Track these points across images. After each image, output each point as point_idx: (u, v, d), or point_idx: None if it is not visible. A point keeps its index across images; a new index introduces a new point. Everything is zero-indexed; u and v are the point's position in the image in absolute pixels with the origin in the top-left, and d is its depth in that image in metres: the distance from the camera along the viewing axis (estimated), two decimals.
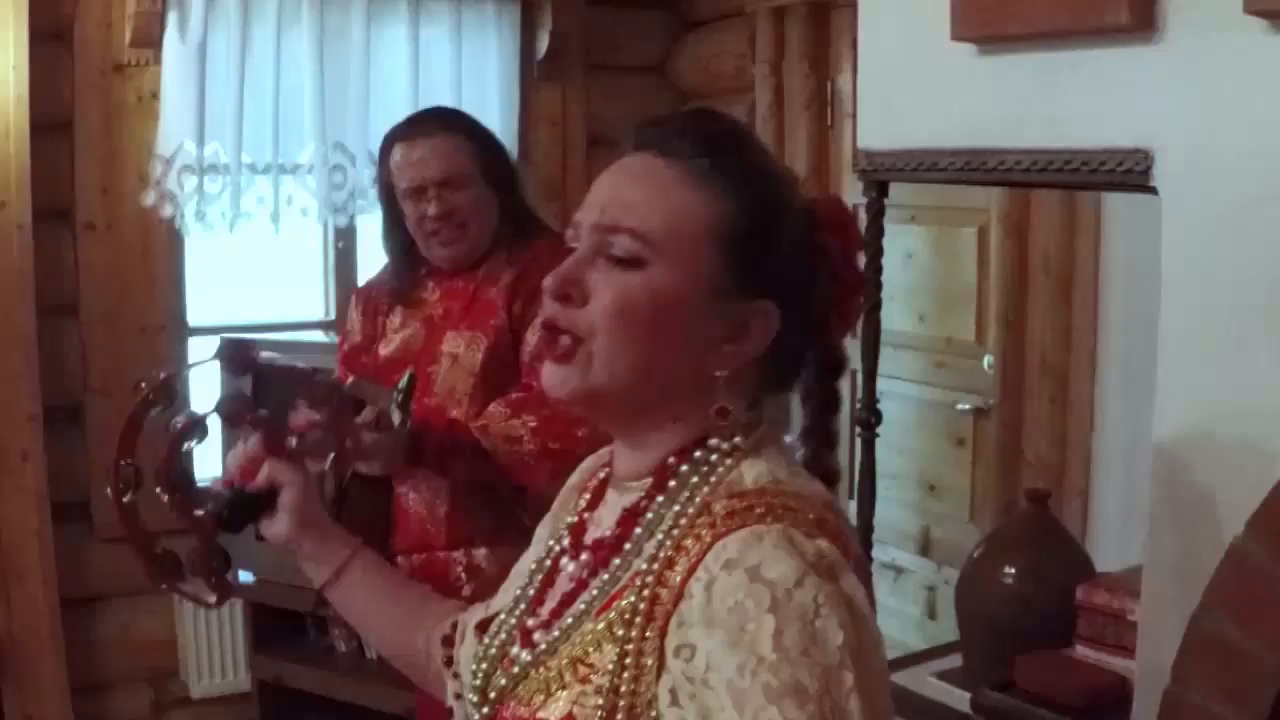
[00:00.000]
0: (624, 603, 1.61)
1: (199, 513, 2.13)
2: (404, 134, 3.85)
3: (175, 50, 5.51)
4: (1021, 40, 2.91)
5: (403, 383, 3.32)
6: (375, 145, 5.74)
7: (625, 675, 1.55)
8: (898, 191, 3.53)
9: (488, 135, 3.97)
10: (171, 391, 2.29)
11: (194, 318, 5.82)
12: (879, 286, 3.50)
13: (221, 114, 5.59)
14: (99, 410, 5.51)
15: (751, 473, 1.65)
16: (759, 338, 1.68)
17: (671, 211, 1.65)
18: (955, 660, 3.64)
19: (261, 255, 5.99)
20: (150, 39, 5.48)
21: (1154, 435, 2.77)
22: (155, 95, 5.53)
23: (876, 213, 3.45)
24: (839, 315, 1.79)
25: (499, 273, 3.83)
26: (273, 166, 5.75)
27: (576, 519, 1.86)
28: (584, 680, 1.60)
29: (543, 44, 6.41)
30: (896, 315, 4.78)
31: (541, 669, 1.68)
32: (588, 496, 1.88)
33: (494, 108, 6.16)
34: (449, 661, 2.08)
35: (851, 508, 3.47)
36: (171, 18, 5.48)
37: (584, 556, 1.76)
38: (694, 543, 1.57)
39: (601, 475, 1.88)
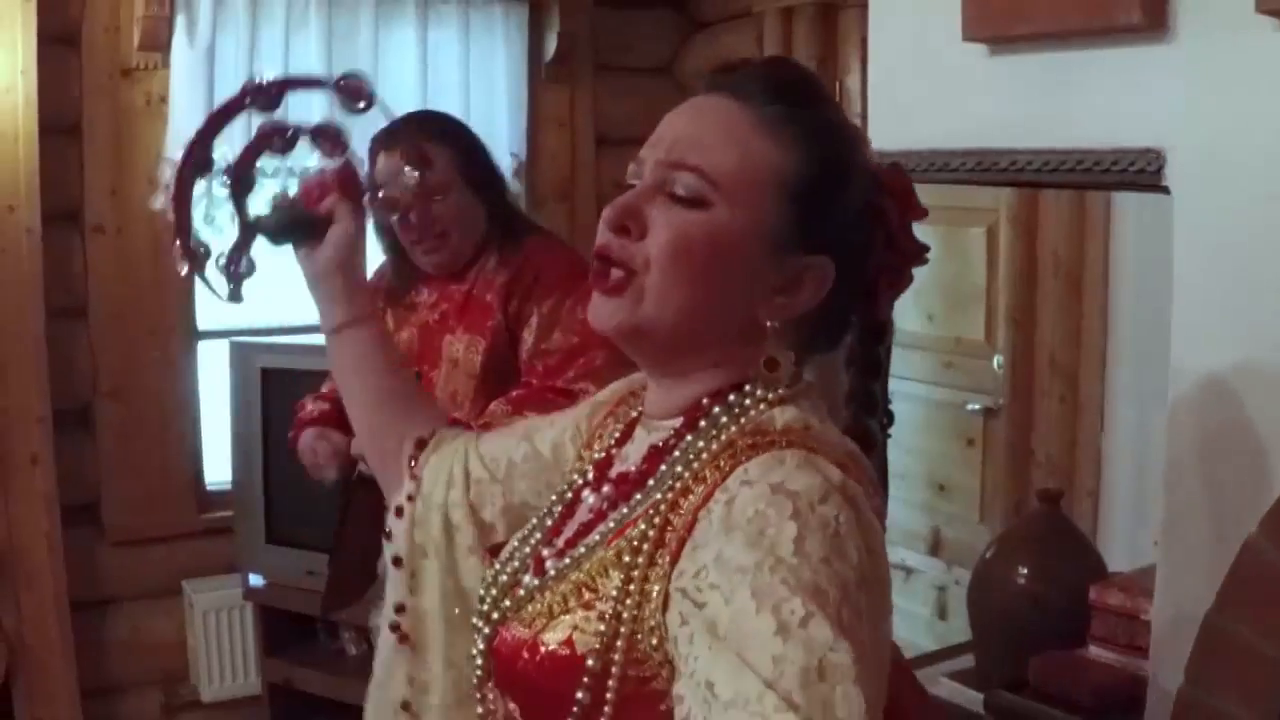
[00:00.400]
0: (634, 530, 1.60)
1: (254, 215, 2.20)
2: (385, 142, 3.69)
3: (183, 54, 5.51)
4: (1032, 40, 2.91)
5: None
6: None
7: (629, 602, 1.55)
8: None
9: (470, 140, 3.94)
10: (271, 99, 2.28)
11: (203, 321, 5.82)
12: None
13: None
14: (108, 413, 5.52)
15: (783, 417, 1.63)
16: (812, 292, 1.66)
17: (740, 154, 1.63)
18: (968, 661, 3.63)
19: (270, 257, 5.98)
20: (158, 43, 5.48)
21: (1166, 435, 2.77)
22: (164, 99, 5.52)
23: None
24: (889, 282, 1.79)
25: (492, 276, 3.82)
26: (281, 169, 5.74)
27: (604, 454, 1.86)
28: (587, 606, 1.60)
29: (551, 45, 6.41)
30: (906, 315, 4.78)
31: (547, 594, 1.68)
32: (617, 432, 1.88)
33: (502, 109, 6.17)
34: (413, 461, 2.12)
35: None
36: (180, 21, 5.48)
37: (605, 489, 1.76)
38: (713, 472, 1.57)
39: (634, 414, 1.87)
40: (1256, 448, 2.54)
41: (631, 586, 1.55)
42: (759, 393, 1.66)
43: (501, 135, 6.17)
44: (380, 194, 2.32)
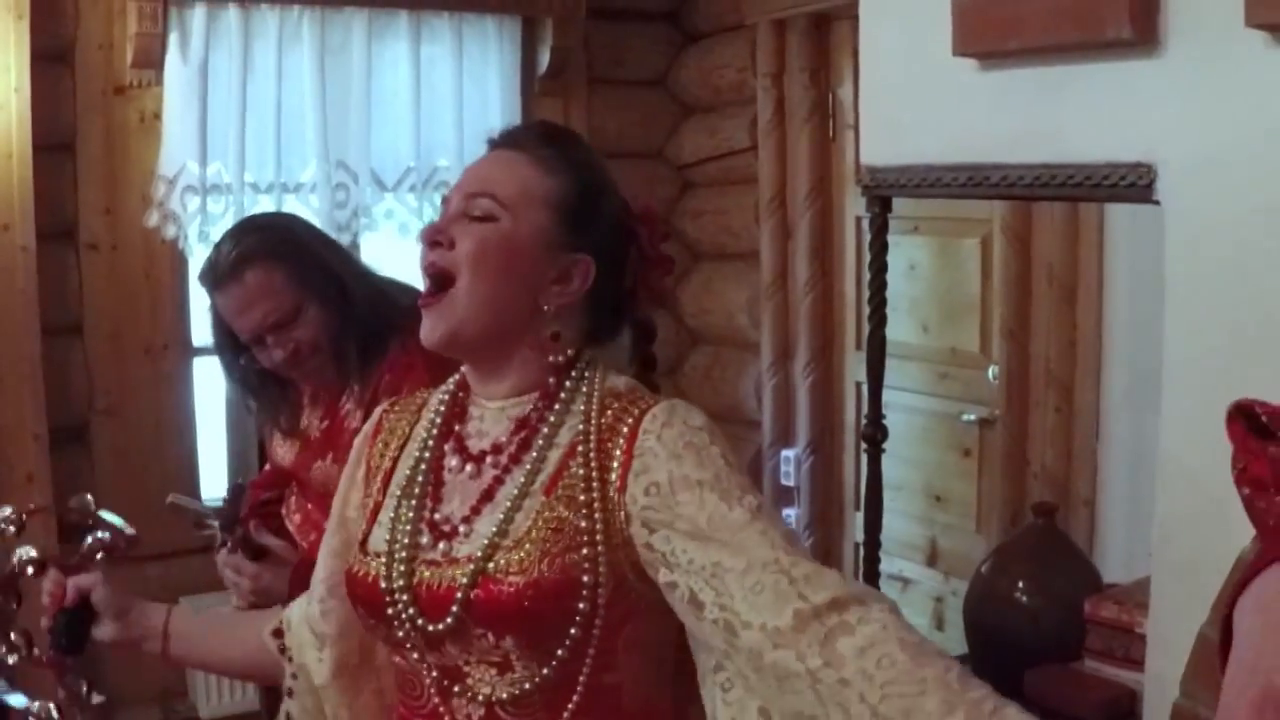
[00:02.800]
0: (572, 477, 2.08)
1: (48, 654, 2.56)
2: (215, 283, 3.42)
3: (177, 71, 5.53)
4: (1023, 55, 2.92)
5: (227, 498, 3.40)
6: (378, 163, 5.84)
7: (597, 521, 2.03)
8: (901, 201, 3.53)
9: (300, 250, 3.48)
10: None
11: (198, 338, 5.81)
12: (883, 302, 3.50)
13: (224, 134, 5.61)
14: (104, 430, 5.53)
15: (617, 382, 2.20)
16: (579, 283, 2.17)
17: (517, 181, 2.17)
18: None
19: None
20: (152, 60, 5.50)
21: (1160, 446, 2.77)
22: (157, 116, 5.55)
23: (880, 228, 3.46)
24: (646, 286, 2.32)
25: (357, 408, 3.47)
26: (275, 186, 5.76)
27: (439, 433, 2.26)
28: (562, 538, 2.04)
29: (544, 58, 6.42)
30: (900, 326, 4.78)
31: (527, 544, 2.05)
32: (437, 419, 2.28)
33: (495, 122, 6.09)
34: (283, 649, 2.44)
35: (858, 520, 3.47)
36: (173, 38, 5.51)
37: (490, 459, 2.19)
38: (622, 424, 2.09)
39: (442, 398, 2.30)
40: None
41: (595, 509, 2.04)
42: (587, 373, 2.20)
43: None
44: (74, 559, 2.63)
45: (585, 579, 2.01)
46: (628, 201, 2.31)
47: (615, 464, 2.06)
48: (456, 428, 2.26)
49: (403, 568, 2.12)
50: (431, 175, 6.12)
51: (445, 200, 2.23)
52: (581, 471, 2.07)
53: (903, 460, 5.17)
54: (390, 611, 2.10)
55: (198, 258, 5.59)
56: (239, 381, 3.66)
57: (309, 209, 5.77)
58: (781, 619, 1.83)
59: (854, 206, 5.96)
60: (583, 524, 2.03)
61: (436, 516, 2.17)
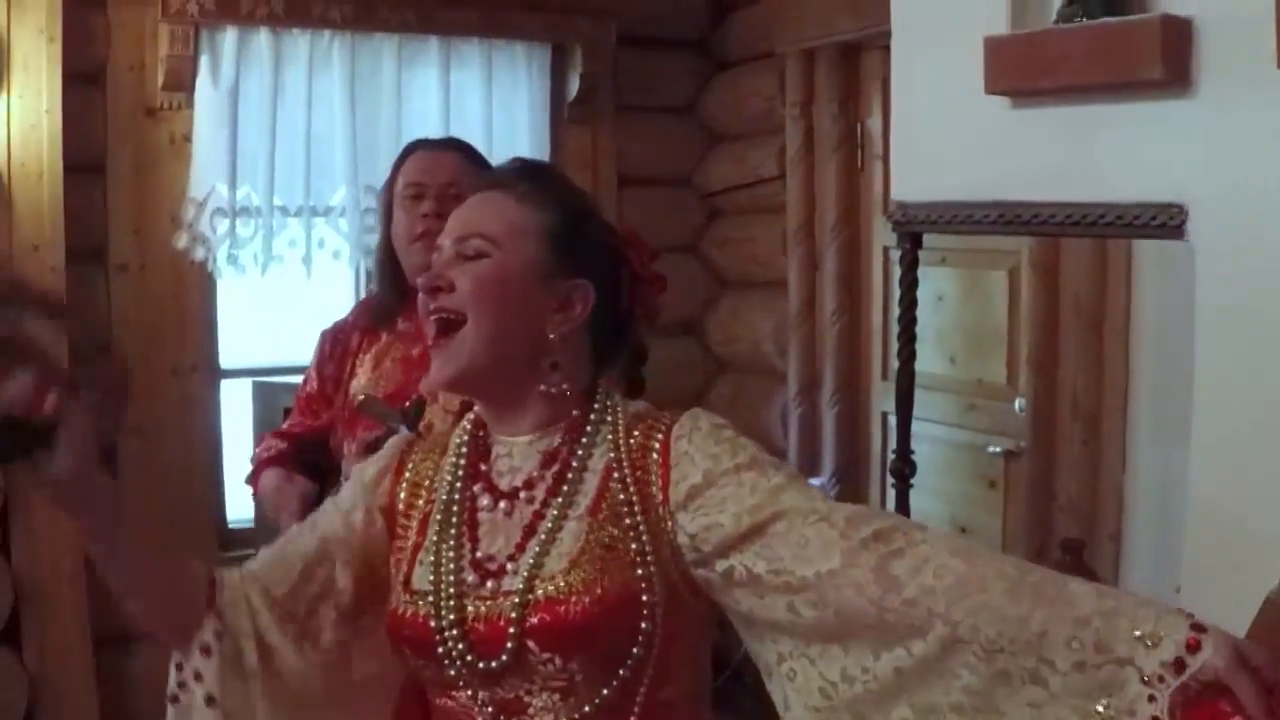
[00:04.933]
0: (613, 500, 2.12)
1: None
2: (424, 143, 4.00)
3: (207, 94, 5.55)
4: (1056, 94, 2.92)
5: (412, 403, 3.44)
6: None
7: (644, 538, 2.07)
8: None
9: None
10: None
11: (226, 360, 5.84)
12: (913, 338, 3.51)
13: (253, 157, 5.63)
14: (131, 451, 5.53)
15: (633, 408, 2.24)
16: (581, 307, 2.20)
17: (505, 217, 2.21)
18: None
19: (293, 298, 6.01)
20: (182, 83, 5.53)
21: (1189, 486, 2.77)
22: (187, 138, 5.57)
23: (911, 263, 3.46)
24: (642, 310, 2.37)
25: None
26: (304, 209, 5.78)
27: (466, 474, 2.27)
28: (618, 557, 2.07)
29: (574, 86, 6.44)
30: (928, 357, 4.78)
31: (584, 564, 2.08)
32: (461, 459, 2.29)
33: (524, 149, 6.18)
34: (210, 602, 2.20)
35: None
36: (204, 61, 5.53)
37: (524, 494, 2.20)
38: (652, 442, 2.15)
39: (461, 440, 2.31)
40: None
41: (641, 527, 2.08)
42: (608, 402, 2.24)
43: None
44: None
45: (645, 597, 2.06)
46: (612, 226, 2.37)
47: (654, 478, 2.12)
48: (482, 467, 2.28)
49: (452, 603, 2.12)
50: None
51: (437, 250, 2.27)
52: (622, 495, 2.13)
53: (928, 491, 5.16)
54: (441, 650, 2.09)
55: (226, 280, 5.63)
56: (379, 251, 4.00)
57: (338, 233, 5.82)
58: (832, 561, 1.91)
59: (881, 237, 5.96)
60: (633, 545, 2.08)
61: (479, 555, 2.18)
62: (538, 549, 2.11)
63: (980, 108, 3.08)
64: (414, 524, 2.28)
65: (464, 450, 2.30)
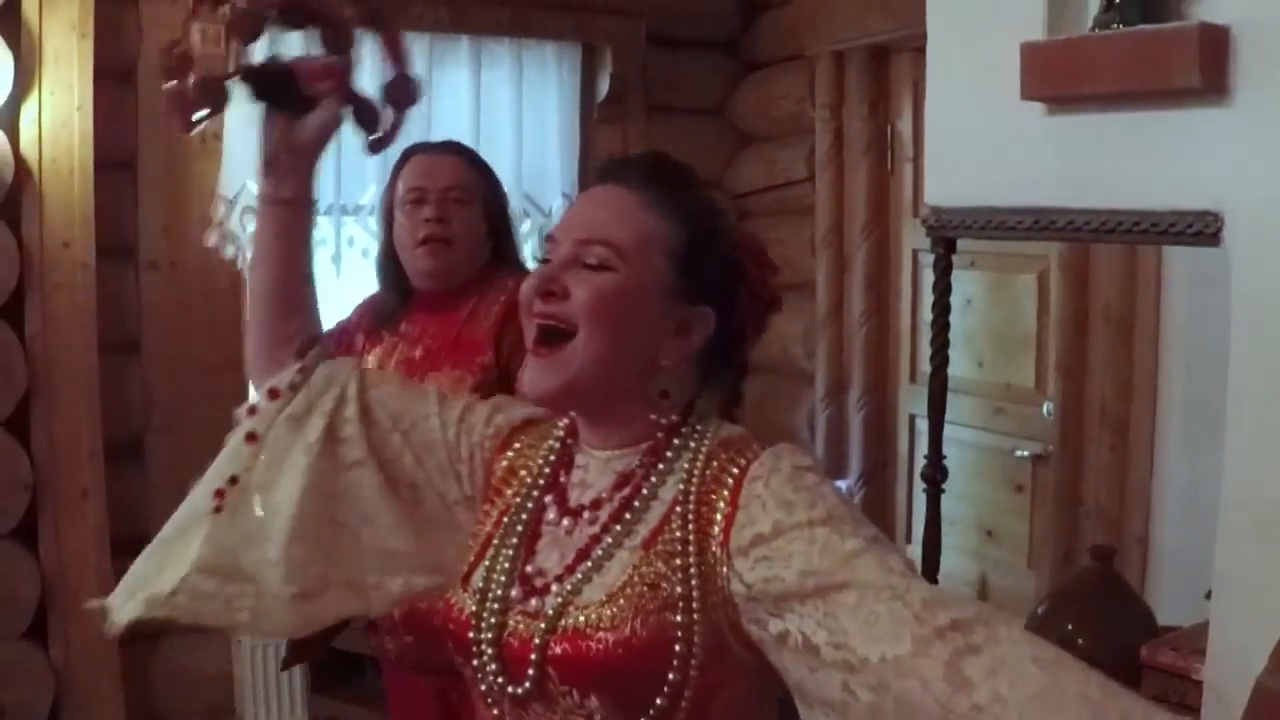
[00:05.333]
0: (670, 535, 1.97)
1: (248, 61, 2.32)
2: (422, 147, 3.98)
3: (238, 91, 5.54)
4: (1092, 100, 2.91)
5: None
6: None
7: (693, 582, 1.91)
8: None
9: (495, 178, 4.07)
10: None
11: None
12: (946, 343, 3.50)
13: None
14: (160, 447, 5.55)
15: (724, 432, 2.08)
16: (699, 335, 2.09)
17: (634, 227, 2.05)
18: None
19: (322, 296, 6.00)
20: None
21: (1221, 497, 2.76)
22: (218, 136, 5.55)
23: (945, 268, 3.45)
24: (754, 328, 2.22)
25: (485, 306, 3.84)
26: (334, 208, 5.78)
27: (546, 482, 2.18)
28: (658, 597, 1.92)
29: (603, 86, 6.46)
30: (956, 360, 4.75)
31: (621, 600, 1.95)
32: (547, 466, 2.20)
33: (554, 149, 6.20)
34: (302, 354, 2.27)
35: (909, 553, 3.47)
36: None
37: (587, 514, 2.10)
38: (726, 476, 1.98)
39: (550, 444, 2.22)
40: None
41: (692, 570, 1.92)
42: (699, 427, 2.09)
43: (554, 175, 6.22)
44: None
45: (678, 647, 1.89)
46: (734, 234, 2.21)
47: (718, 517, 1.94)
48: (561, 478, 2.17)
49: (494, 619, 2.04)
50: None
51: (549, 240, 2.12)
52: (679, 532, 1.96)
53: (955, 495, 5.15)
54: (475, 664, 2.05)
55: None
56: (381, 255, 4.01)
57: (367, 232, 5.81)
58: (900, 646, 1.69)
59: (911, 239, 5.96)
60: (679, 589, 1.91)
61: (529, 569, 2.09)
62: (580, 575, 2.01)
63: (1016, 113, 3.08)
64: (495, 513, 2.20)
65: (551, 457, 2.19)
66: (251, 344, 2.37)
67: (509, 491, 2.20)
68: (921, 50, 3.56)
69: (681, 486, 2.01)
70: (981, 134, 3.25)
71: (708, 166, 6.78)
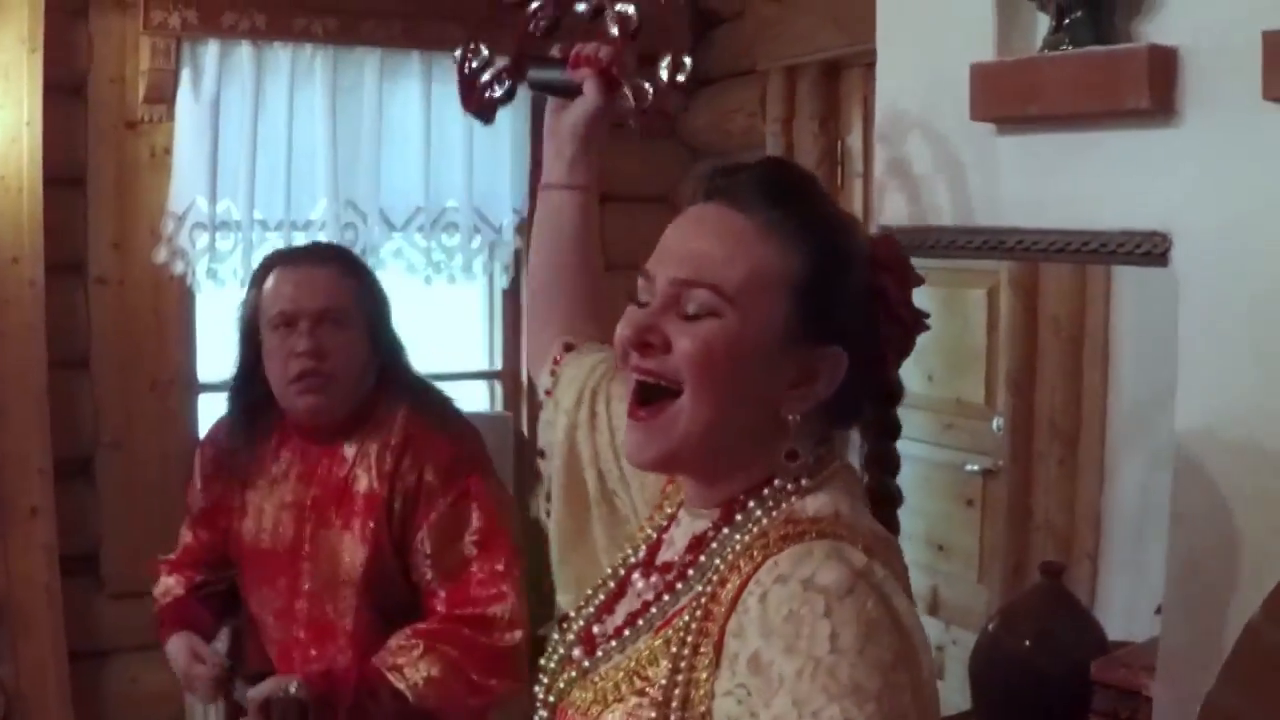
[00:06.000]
0: (680, 621, 1.70)
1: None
2: (287, 258, 3.55)
3: (188, 107, 5.56)
4: (1042, 121, 2.92)
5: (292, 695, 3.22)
6: (387, 203, 5.83)
7: (677, 690, 1.63)
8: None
9: (375, 280, 3.64)
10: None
11: (204, 374, 5.83)
12: None
13: (234, 171, 5.65)
14: (109, 464, 5.53)
15: (813, 505, 1.73)
16: (827, 381, 1.77)
17: (747, 265, 1.73)
18: None
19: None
20: (164, 95, 5.53)
21: (1172, 510, 2.77)
22: (168, 151, 5.57)
23: None
24: (895, 351, 1.92)
25: (375, 445, 3.47)
26: (285, 224, 5.78)
27: (655, 535, 1.96)
28: (640, 693, 1.69)
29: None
30: (905, 375, 4.78)
31: (598, 678, 1.78)
32: (668, 513, 1.98)
33: (505, 165, 6.21)
34: (556, 360, 2.31)
35: None
36: (185, 74, 5.54)
37: (654, 578, 1.86)
38: (746, 562, 1.67)
39: (678, 500, 1.96)
40: (1264, 532, 2.55)
41: (679, 676, 1.63)
42: (789, 486, 1.76)
43: (504, 190, 6.23)
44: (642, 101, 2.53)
45: None
46: (868, 248, 1.89)
47: (718, 612, 1.66)
48: (664, 536, 1.95)
49: (554, 665, 1.91)
50: (440, 216, 6.16)
51: (646, 276, 1.82)
52: (687, 618, 1.70)
53: (907, 509, 5.08)
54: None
55: (206, 294, 5.62)
56: (237, 392, 3.64)
57: None
58: None
59: None
60: (663, 680, 1.66)
61: (596, 630, 1.90)
62: (613, 644, 1.82)
63: (966, 134, 3.09)
64: (642, 547, 2.00)
65: (669, 510, 1.98)
66: (529, 331, 2.49)
67: (649, 528, 2.02)
68: (872, 66, 3.56)
69: (719, 563, 1.75)
70: (931, 154, 3.26)
71: (661, 181, 6.78)
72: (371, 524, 3.43)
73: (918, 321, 1.94)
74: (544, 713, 1.86)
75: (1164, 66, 2.65)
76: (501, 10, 2.61)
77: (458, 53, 2.66)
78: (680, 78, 2.55)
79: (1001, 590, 4.94)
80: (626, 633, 1.81)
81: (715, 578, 1.71)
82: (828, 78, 6.04)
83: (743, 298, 1.72)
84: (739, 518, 1.77)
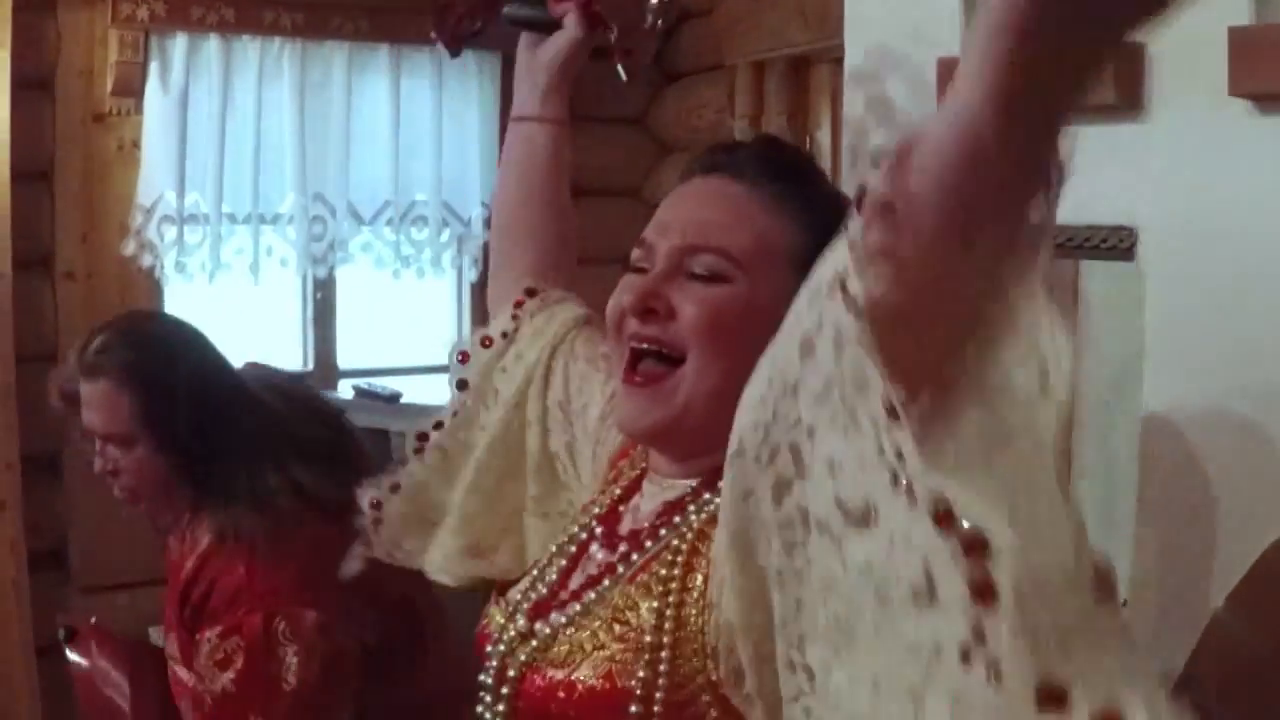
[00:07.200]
0: (659, 568, 1.68)
1: None
2: (82, 368, 3.26)
3: (157, 100, 5.53)
4: None
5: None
6: (356, 196, 5.81)
7: (667, 626, 1.61)
8: None
9: (160, 389, 3.18)
10: None
11: None
12: None
13: (202, 164, 5.62)
14: (78, 460, 5.49)
15: None
16: None
17: (752, 231, 1.73)
18: None
19: (240, 306, 5.97)
20: (132, 88, 5.50)
21: (1136, 507, 2.78)
22: (136, 144, 5.54)
23: None
24: None
25: (189, 560, 3.20)
26: (253, 217, 5.76)
27: (607, 509, 1.91)
28: (621, 639, 1.65)
29: None
30: None
31: (574, 630, 1.72)
32: (620, 488, 1.93)
33: (474, 158, 6.20)
34: (519, 306, 2.22)
35: None
36: (153, 67, 5.50)
37: (622, 548, 1.80)
38: None
39: (639, 470, 1.92)
40: (1235, 522, 2.56)
41: (669, 612, 1.62)
42: None
43: (474, 184, 6.22)
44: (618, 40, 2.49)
45: (633, 707, 1.61)
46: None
47: (706, 550, 1.65)
48: (622, 507, 1.90)
49: (503, 648, 1.82)
50: (409, 209, 6.13)
51: (644, 246, 1.80)
52: (669, 558, 1.68)
53: None
54: (480, 679, 1.83)
55: (174, 287, 5.60)
56: None
57: (285, 241, 5.80)
58: None
59: None
60: (650, 621, 1.64)
61: (554, 595, 1.85)
62: (582, 606, 1.76)
63: None
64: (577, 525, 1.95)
65: (625, 483, 1.93)
66: (502, 242, 2.41)
67: (595, 508, 1.96)
68: (841, 61, 3.56)
69: (697, 518, 1.72)
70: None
71: (629, 176, 6.78)
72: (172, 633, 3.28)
73: None
74: (505, 689, 1.76)
75: (1130, 62, 2.65)
76: None
77: None
78: (660, 22, 2.51)
79: None
80: (591, 594, 1.77)
81: (697, 528, 1.69)
82: (796, 73, 6.04)
83: (752, 265, 1.71)
84: (720, 484, 1.61)
